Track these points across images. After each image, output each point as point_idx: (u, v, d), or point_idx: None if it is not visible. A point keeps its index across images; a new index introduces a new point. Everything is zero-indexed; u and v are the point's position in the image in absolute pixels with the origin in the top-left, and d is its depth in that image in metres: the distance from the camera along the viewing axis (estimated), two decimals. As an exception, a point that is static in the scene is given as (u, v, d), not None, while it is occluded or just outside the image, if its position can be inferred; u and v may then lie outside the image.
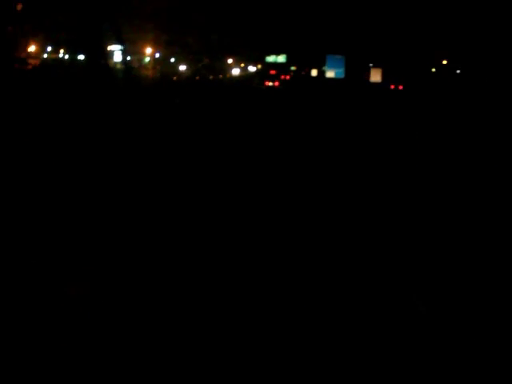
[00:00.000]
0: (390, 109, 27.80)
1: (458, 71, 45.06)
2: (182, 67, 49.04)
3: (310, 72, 46.11)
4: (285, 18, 45.94)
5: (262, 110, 24.98)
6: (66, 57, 51.02)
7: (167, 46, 48.92)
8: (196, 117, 18.59)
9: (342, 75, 44.19)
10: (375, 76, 42.75)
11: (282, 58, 48.68)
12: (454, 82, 41.74)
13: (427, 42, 42.55)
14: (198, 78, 43.71)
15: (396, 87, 44.00)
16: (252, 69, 51.09)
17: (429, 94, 37.33)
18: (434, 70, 45.25)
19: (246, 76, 47.29)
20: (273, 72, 47.58)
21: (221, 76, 46.57)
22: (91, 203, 7.35)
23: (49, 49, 54.96)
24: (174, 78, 43.44)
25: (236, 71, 48.64)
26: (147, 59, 49.86)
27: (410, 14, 38.84)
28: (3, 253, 5.51)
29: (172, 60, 51.15)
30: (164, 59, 50.26)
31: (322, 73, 45.31)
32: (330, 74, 44.25)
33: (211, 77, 45.21)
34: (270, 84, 46.23)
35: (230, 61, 51.58)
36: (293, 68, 48.87)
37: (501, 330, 4.23)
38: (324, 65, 44.82)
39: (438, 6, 38.17)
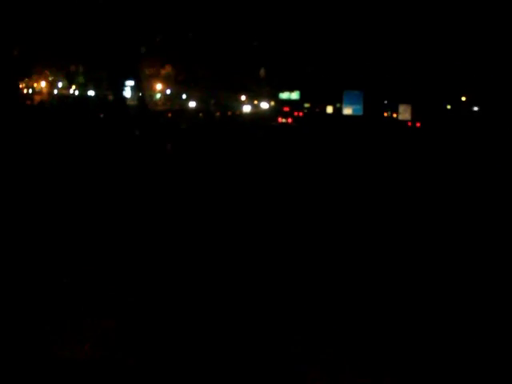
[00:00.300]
0: (413, 150, 26.22)
1: (476, 108, 43.26)
2: (192, 103, 48.14)
3: (325, 109, 44.63)
4: (299, 54, 45.09)
5: (274, 149, 23.65)
6: (77, 92, 50.36)
7: (178, 82, 48.16)
8: (202, 156, 18.20)
9: (360, 112, 42.58)
10: (404, 113, 41.03)
11: (295, 95, 47.62)
12: (473, 120, 40.39)
13: (446, 78, 40.90)
14: (202, 115, 42.62)
15: (413, 124, 42.69)
16: (265, 105, 50.05)
17: (451, 132, 35.99)
18: (449, 106, 43.96)
19: (257, 113, 46.33)
20: (286, 109, 46.50)
21: (230, 113, 45.57)
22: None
23: (60, 84, 54.50)
24: (184, 114, 42.37)
25: (247, 108, 47.59)
26: (158, 95, 49.10)
27: (431, 46, 37.69)
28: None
29: (184, 96, 50.43)
30: (175, 95, 49.48)
31: (337, 110, 43.88)
32: (347, 110, 42.64)
33: (218, 114, 44.19)
34: (284, 121, 45.04)
35: (242, 97, 50.70)
36: (306, 105, 47.79)
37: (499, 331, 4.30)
38: (340, 101, 43.27)
39: (458, 43, 36.94)
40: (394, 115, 42.41)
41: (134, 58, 42.40)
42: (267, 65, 47.73)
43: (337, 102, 43.79)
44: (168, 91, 49.65)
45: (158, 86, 50.26)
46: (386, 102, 43.63)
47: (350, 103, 42.51)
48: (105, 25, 39.35)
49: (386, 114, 42.82)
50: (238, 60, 47.83)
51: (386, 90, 41.22)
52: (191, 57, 48.26)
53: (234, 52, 48.75)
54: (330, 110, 44.03)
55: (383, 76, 39.65)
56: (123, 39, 39.08)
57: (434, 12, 37.44)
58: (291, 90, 47.65)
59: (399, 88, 40.63)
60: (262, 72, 47.28)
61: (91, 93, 47.29)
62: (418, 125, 43.26)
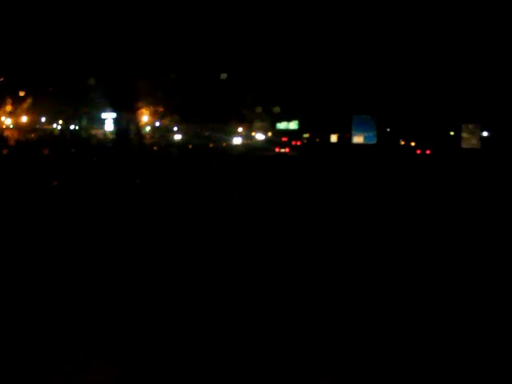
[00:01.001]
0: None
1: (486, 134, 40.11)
2: (178, 136, 44.49)
3: (326, 138, 40.45)
4: (295, 81, 41.65)
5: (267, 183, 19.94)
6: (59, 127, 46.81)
7: (169, 114, 44.64)
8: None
9: (373, 140, 38.02)
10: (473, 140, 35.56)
11: (293, 125, 44.02)
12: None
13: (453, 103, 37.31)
14: (190, 146, 39.04)
15: (423, 152, 38.82)
16: (260, 137, 46.36)
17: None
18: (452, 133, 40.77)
19: (251, 144, 42.68)
20: (284, 139, 42.81)
21: (224, 144, 41.88)
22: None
23: (43, 119, 51.15)
24: (172, 148, 38.73)
25: (237, 140, 43.89)
26: (148, 128, 45.46)
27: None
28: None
29: (175, 128, 46.89)
30: (165, 128, 45.87)
31: (343, 138, 39.49)
32: (357, 138, 37.91)
33: (211, 145, 40.56)
34: (282, 150, 41.24)
35: (239, 129, 47.14)
36: (305, 135, 44.14)
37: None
38: (345, 128, 38.84)
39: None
40: (402, 143, 38.39)
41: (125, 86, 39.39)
42: (263, 95, 44.37)
43: (342, 129, 39.33)
44: (157, 123, 45.98)
45: (148, 119, 46.72)
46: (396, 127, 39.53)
47: (361, 130, 37.93)
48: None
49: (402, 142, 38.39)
50: (232, 90, 44.54)
51: (402, 113, 36.93)
52: (182, 87, 44.96)
53: (226, 83, 45.49)
54: (334, 138, 39.46)
55: (397, 97, 35.57)
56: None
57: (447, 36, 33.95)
58: (289, 119, 44.09)
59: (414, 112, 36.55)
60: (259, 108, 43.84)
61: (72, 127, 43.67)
62: (428, 152, 39.60)
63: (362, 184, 19.77)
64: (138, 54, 42.99)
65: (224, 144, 41.56)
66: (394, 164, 30.24)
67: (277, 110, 43.37)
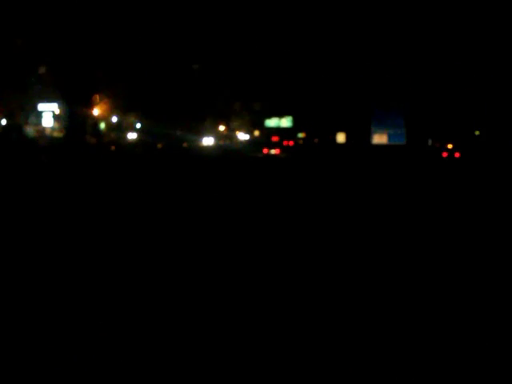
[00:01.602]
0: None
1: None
2: (133, 135, 35.73)
3: (331, 137, 31.08)
4: (289, 67, 33.58)
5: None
6: None
7: (132, 108, 36.06)
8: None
9: (401, 140, 28.59)
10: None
11: (286, 122, 35.50)
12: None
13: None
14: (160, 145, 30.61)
15: (451, 155, 30.39)
16: (243, 136, 37.82)
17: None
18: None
19: (229, 146, 34.05)
20: (275, 139, 34.12)
21: (185, 144, 32.75)
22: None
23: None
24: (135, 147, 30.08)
25: (209, 140, 35.00)
26: (102, 125, 36.67)
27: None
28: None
29: (138, 125, 38.34)
30: (126, 125, 37.22)
31: (355, 137, 30.05)
32: (379, 138, 28.54)
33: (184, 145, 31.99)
34: (272, 152, 32.56)
35: (220, 127, 38.82)
36: (301, 135, 35.64)
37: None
38: (362, 125, 29.31)
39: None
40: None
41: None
42: (247, 84, 36.45)
43: (355, 126, 29.54)
44: (114, 119, 37.15)
45: (106, 113, 37.98)
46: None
47: (384, 126, 28.50)
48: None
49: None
50: (210, 84, 36.48)
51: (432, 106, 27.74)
52: (148, 77, 36.58)
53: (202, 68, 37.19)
54: (341, 138, 29.87)
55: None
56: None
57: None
58: (281, 115, 35.58)
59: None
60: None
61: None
62: (457, 155, 31.34)
63: (385, 204, 11.14)
64: (95, 35, 35.13)
65: (184, 145, 32.49)
66: (434, 175, 20.43)
67: (258, 105, 35.44)
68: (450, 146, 28.85)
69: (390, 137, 28.47)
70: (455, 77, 28.32)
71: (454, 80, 29.45)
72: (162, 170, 18.85)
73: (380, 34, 27.35)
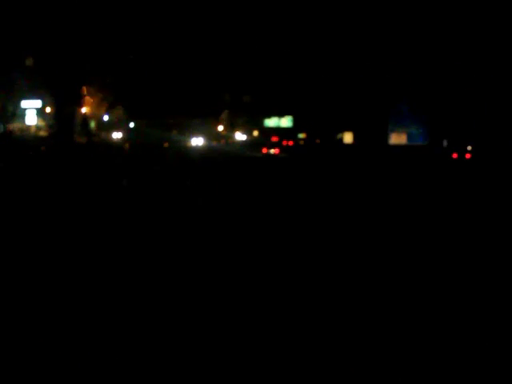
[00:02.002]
0: None
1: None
2: (118, 134, 33.85)
3: (340, 137, 28.90)
4: (290, 64, 31.96)
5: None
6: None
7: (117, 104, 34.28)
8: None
9: (422, 140, 26.34)
10: None
11: (286, 122, 33.85)
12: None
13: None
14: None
15: (461, 156, 28.59)
16: (241, 137, 36.08)
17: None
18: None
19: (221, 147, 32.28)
20: (274, 139, 32.51)
21: (166, 145, 30.79)
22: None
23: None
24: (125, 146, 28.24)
25: (198, 141, 33.10)
26: (92, 123, 34.86)
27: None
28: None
29: (131, 124, 36.59)
30: (118, 123, 35.44)
31: (362, 137, 27.77)
32: (397, 137, 26.35)
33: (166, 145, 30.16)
34: (272, 152, 30.92)
35: (218, 127, 37.20)
36: (301, 135, 34.04)
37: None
38: (377, 124, 27.05)
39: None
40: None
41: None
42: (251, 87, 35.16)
43: (368, 124, 27.01)
44: (105, 117, 35.31)
45: (98, 111, 36.20)
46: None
47: (403, 124, 26.18)
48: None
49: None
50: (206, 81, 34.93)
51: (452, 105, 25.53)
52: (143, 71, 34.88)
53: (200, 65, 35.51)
54: (349, 138, 27.74)
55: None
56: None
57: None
58: (281, 115, 33.92)
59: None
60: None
61: None
62: (468, 156, 29.62)
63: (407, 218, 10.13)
64: (83, 27, 33.54)
65: (165, 145, 30.50)
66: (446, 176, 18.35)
67: (257, 104, 33.83)
68: (468, 148, 26.93)
69: (409, 137, 26.38)
70: (472, 77, 26.61)
71: (471, 80, 27.78)
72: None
73: (397, 24, 25.61)
